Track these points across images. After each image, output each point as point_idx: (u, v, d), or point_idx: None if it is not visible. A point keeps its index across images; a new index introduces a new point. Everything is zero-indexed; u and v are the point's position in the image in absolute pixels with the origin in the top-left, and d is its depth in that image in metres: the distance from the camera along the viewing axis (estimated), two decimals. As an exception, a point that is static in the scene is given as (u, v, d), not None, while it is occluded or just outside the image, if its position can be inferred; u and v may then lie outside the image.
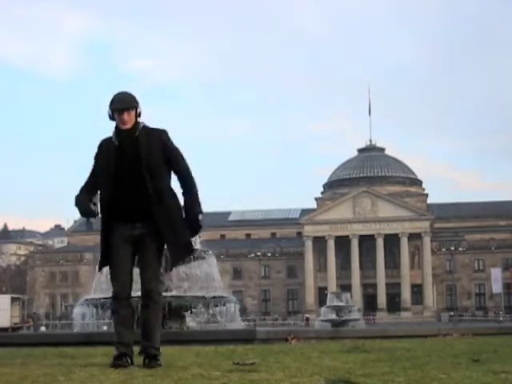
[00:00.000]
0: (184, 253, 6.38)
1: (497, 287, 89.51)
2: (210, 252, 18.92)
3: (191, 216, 6.28)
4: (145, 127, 6.35)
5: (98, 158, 6.42)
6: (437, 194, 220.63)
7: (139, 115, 6.36)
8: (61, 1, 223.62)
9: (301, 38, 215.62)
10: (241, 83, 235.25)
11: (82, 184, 6.51)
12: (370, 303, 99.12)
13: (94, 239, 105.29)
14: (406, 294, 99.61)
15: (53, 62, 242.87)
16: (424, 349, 8.30)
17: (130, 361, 6.15)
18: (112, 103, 6.30)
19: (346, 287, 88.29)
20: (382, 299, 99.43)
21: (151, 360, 6.10)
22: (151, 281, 6.25)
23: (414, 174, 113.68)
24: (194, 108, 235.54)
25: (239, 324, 19.30)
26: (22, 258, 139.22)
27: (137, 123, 6.33)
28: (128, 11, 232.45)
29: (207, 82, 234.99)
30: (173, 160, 6.33)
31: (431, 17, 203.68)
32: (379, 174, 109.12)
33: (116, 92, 6.39)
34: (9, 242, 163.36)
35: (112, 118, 6.35)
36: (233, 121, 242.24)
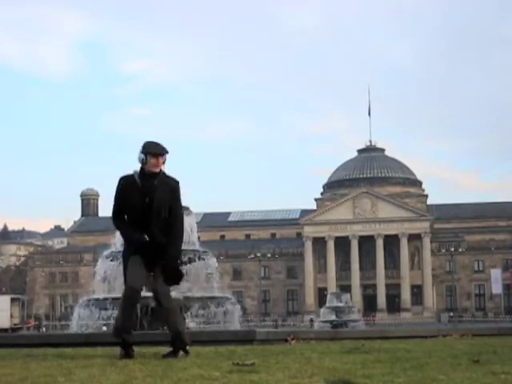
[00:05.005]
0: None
1: (496, 288, 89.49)
2: (210, 253, 18.92)
3: (173, 266, 7.35)
4: (163, 174, 7.38)
5: (122, 194, 7.36)
6: (436, 195, 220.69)
7: (163, 162, 7.40)
8: (60, 2, 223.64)
9: (301, 38, 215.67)
10: (240, 83, 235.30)
11: (116, 215, 7.52)
12: (369, 304, 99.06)
13: (94, 240, 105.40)
14: (406, 295, 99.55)
15: (52, 63, 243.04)
16: (424, 349, 8.29)
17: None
18: (148, 148, 7.29)
19: (345, 288, 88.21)
20: (381, 300, 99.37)
21: (169, 353, 7.25)
22: (159, 292, 7.35)
23: (413, 174, 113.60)
24: (193, 108, 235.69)
25: (238, 325, 19.27)
26: (22, 259, 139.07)
27: (161, 170, 7.36)
28: (126, 12, 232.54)
29: (206, 82, 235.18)
30: (171, 207, 7.35)
31: (431, 17, 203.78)
32: (379, 174, 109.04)
33: (147, 140, 7.41)
34: (9, 242, 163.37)
35: (142, 161, 7.28)
36: (232, 121, 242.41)
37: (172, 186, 7.38)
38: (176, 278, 7.44)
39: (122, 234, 7.64)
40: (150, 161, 7.28)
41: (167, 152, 7.38)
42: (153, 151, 7.29)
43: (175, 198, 7.38)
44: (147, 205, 7.29)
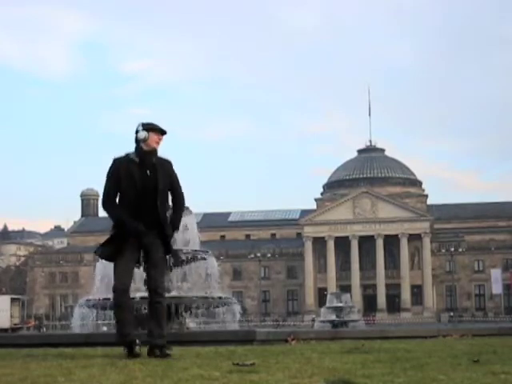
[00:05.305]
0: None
1: (497, 288, 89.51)
2: (210, 253, 18.92)
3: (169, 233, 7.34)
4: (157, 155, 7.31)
5: (117, 174, 7.14)
6: (437, 195, 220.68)
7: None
8: (60, 2, 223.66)
9: (301, 38, 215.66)
10: (240, 83, 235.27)
11: (109, 198, 7.26)
12: (369, 304, 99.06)
13: (94, 240, 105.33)
14: (406, 295, 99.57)
15: (52, 63, 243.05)
16: (424, 349, 8.29)
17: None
18: (151, 125, 7.29)
19: (345, 288, 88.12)
20: (381, 300, 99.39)
21: (162, 351, 7.01)
22: (157, 279, 7.21)
23: (413, 174, 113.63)
24: (193, 108, 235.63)
25: (237, 325, 19.28)
26: (22, 259, 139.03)
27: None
28: (126, 12, 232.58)
29: (206, 82, 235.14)
30: (173, 188, 7.31)
31: (431, 17, 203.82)
32: (379, 174, 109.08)
33: (144, 121, 7.36)
34: (9, 242, 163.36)
35: (140, 139, 7.19)
36: (232, 121, 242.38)
37: (169, 168, 7.32)
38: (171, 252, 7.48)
39: (116, 219, 7.22)
40: (152, 137, 7.22)
41: (166, 133, 7.38)
42: (156, 127, 7.30)
43: (174, 179, 7.33)
44: (149, 178, 7.10)
